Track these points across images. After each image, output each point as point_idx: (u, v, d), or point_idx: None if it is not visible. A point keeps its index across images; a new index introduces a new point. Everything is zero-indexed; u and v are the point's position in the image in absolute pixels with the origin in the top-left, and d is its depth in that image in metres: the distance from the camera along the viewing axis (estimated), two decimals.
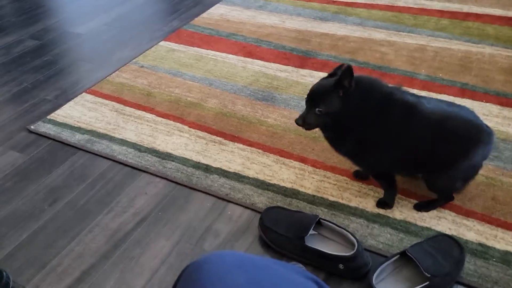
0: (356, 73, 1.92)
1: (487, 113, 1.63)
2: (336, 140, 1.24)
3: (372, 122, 1.15)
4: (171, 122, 1.72)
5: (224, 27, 2.38)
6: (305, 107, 1.19)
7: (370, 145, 1.19)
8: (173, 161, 1.52)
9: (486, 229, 1.22)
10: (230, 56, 2.12)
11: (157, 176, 1.47)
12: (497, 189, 1.34)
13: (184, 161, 1.53)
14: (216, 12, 2.55)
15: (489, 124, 1.54)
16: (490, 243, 1.18)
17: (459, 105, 1.21)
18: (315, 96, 1.15)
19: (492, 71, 1.86)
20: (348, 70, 1.09)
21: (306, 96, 1.17)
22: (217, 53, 2.15)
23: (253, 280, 0.44)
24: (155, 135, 1.64)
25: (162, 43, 2.26)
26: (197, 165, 1.50)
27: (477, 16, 2.29)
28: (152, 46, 2.22)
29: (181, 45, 2.24)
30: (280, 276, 0.47)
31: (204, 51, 2.18)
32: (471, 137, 1.15)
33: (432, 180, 1.23)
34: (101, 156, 1.55)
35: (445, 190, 1.26)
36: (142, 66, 2.07)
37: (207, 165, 1.50)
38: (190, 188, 1.43)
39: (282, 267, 0.50)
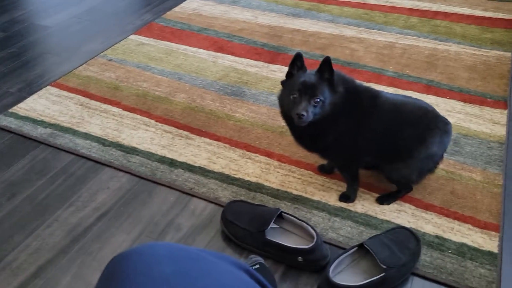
0: None
1: (451, 109, 1.66)
2: (317, 135, 1.21)
3: (349, 112, 1.19)
4: (138, 116, 1.70)
5: (196, 22, 2.36)
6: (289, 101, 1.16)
7: (347, 136, 1.22)
8: (137, 155, 1.51)
9: (444, 222, 1.24)
10: (201, 50, 2.11)
11: (120, 170, 1.45)
12: (456, 183, 1.36)
13: (149, 155, 1.51)
14: (189, 6, 2.53)
15: (452, 120, 1.58)
16: (447, 235, 1.21)
17: (416, 98, 1.28)
18: (311, 86, 1.11)
19: (457, 68, 1.90)
20: (327, 62, 1.11)
21: (298, 88, 1.12)
22: (188, 47, 2.14)
23: (181, 271, 0.44)
24: (121, 129, 1.62)
25: (132, 36, 2.23)
26: (162, 160, 1.49)
27: (446, 15, 2.32)
28: (122, 40, 2.19)
29: (152, 39, 2.22)
30: (211, 267, 0.46)
31: (174, 45, 2.16)
32: (427, 123, 1.22)
33: (392, 170, 1.26)
34: (64, 150, 1.53)
35: (404, 181, 1.28)
36: (110, 60, 2.04)
37: (172, 160, 1.49)
38: (154, 182, 1.41)
39: (216, 258, 0.50)
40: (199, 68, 1.98)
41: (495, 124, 1.59)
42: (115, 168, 1.46)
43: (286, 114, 1.20)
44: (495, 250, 1.16)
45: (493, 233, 1.21)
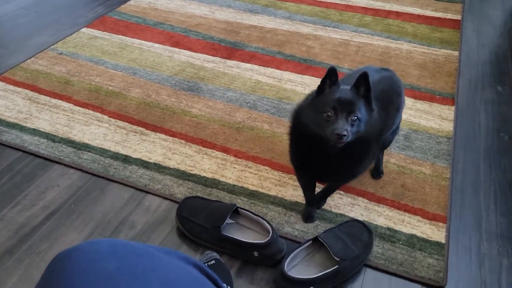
0: (282, 65, 1.95)
1: None
2: (347, 156, 1.06)
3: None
4: (90, 111, 1.64)
5: (151, 16, 2.31)
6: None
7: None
8: (89, 151, 1.46)
9: (395, 214, 1.28)
10: (157, 45, 2.07)
11: (71, 167, 1.40)
12: (407, 177, 1.41)
13: (101, 151, 1.47)
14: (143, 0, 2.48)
15: (403, 116, 1.62)
16: (398, 227, 1.25)
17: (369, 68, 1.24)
18: (348, 103, 0.98)
19: (408, 66, 1.96)
20: (364, 77, 0.99)
21: (333, 106, 0.98)
22: (143, 42, 2.09)
23: (125, 267, 0.43)
24: (72, 125, 1.57)
25: (84, 29, 2.16)
26: (116, 156, 1.45)
27: (398, 14, 2.39)
28: (73, 33, 2.12)
29: (105, 32, 2.15)
30: (157, 262, 0.45)
31: (129, 39, 2.11)
32: (400, 85, 1.25)
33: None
34: (10, 147, 1.46)
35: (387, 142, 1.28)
36: (61, 53, 1.96)
37: (126, 156, 1.46)
38: (107, 179, 1.38)
39: (164, 253, 0.49)
40: (155, 63, 1.94)
41: (443, 119, 1.65)
42: (65, 165, 1.41)
43: (310, 134, 1.02)
44: (443, 241, 1.21)
45: (440, 224, 1.25)
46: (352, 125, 0.97)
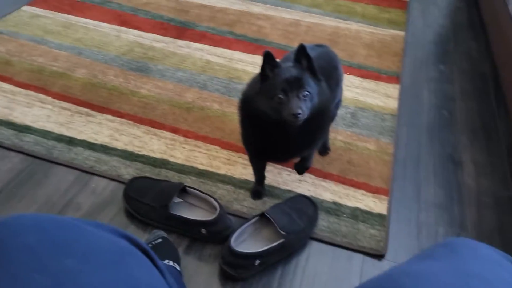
0: (233, 45, 1.94)
1: (350, 85, 1.75)
2: (312, 131, 1.07)
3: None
4: (32, 92, 1.58)
5: None
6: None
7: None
8: (32, 134, 1.41)
9: (340, 189, 1.32)
10: (103, 24, 2.01)
11: (12, 150, 1.36)
12: (353, 153, 1.45)
13: (44, 133, 1.42)
14: None
15: (350, 95, 1.67)
16: (343, 201, 1.29)
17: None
18: (296, 80, 0.97)
19: (356, 46, 2.00)
20: (302, 49, 0.99)
21: (282, 88, 0.96)
22: (89, 20, 2.02)
23: (47, 239, 0.43)
24: (12, 107, 1.51)
25: (25, 8, 2.06)
26: (60, 138, 1.41)
27: None
28: (13, 11, 2.02)
29: (48, 11, 2.06)
30: (82, 234, 0.45)
31: (74, 18, 2.03)
32: (336, 59, 1.26)
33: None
34: None
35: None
36: (0, 33, 1.87)
37: (71, 138, 1.42)
38: (51, 162, 1.34)
39: (92, 226, 0.49)
40: (101, 42, 1.89)
41: (388, 97, 1.70)
42: (5, 148, 1.36)
43: (265, 119, 1.02)
44: (385, 212, 1.26)
45: (383, 197, 1.31)
46: (305, 101, 0.97)
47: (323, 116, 1.07)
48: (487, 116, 1.65)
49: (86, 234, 0.46)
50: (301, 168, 1.27)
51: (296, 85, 0.96)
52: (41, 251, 0.41)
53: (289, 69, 1.00)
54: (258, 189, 1.28)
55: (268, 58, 0.98)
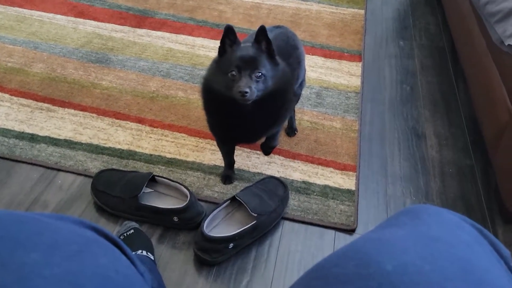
0: (195, 31, 1.92)
1: (313, 65, 1.76)
2: (264, 113, 1.06)
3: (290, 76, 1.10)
4: None
5: None
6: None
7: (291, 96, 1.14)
8: None
9: (309, 168, 1.34)
10: (59, 16, 1.95)
11: None
12: (320, 132, 1.47)
13: (4, 132, 1.38)
14: None
15: (314, 75, 1.68)
16: (312, 180, 1.31)
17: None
18: (251, 60, 0.97)
19: (318, 26, 2.01)
20: (262, 31, 0.98)
21: (236, 64, 0.97)
22: (43, 13, 1.95)
23: (7, 235, 0.42)
24: None
25: None
26: (21, 135, 1.37)
27: None
28: None
29: None
30: (44, 227, 0.44)
31: (27, 11, 1.96)
32: (295, 38, 1.26)
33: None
34: None
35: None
36: None
37: (32, 135, 1.38)
38: (13, 160, 1.30)
39: (56, 219, 0.48)
40: (58, 35, 1.83)
41: (351, 76, 1.73)
42: None
43: (222, 98, 1.01)
44: (353, 188, 1.29)
45: (351, 173, 1.33)
46: (257, 82, 0.97)
47: (281, 98, 1.07)
48: (447, 89, 1.70)
49: (49, 227, 0.45)
50: (267, 148, 1.27)
51: (250, 64, 0.97)
52: (1, 247, 0.40)
53: (247, 48, 1.00)
54: (228, 173, 1.28)
55: (229, 33, 0.99)
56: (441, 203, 1.27)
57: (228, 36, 0.99)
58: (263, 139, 1.23)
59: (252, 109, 1.02)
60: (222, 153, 1.27)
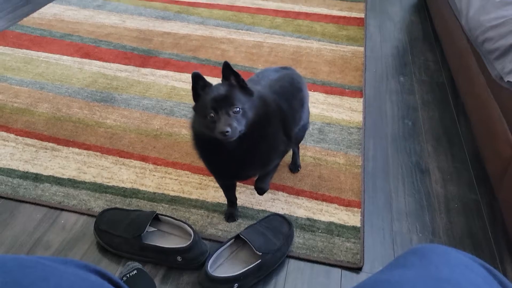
0: (198, 70, 1.95)
1: (315, 101, 1.78)
2: (254, 147, 1.05)
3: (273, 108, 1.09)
4: None
5: (57, 28, 2.22)
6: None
7: (279, 130, 1.12)
8: None
9: (314, 205, 1.33)
10: (65, 57, 1.99)
11: None
12: (323, 168, 1.47)
13: (9, 172, 1.38)
14: (48, 11, 2.37)
15: (316, 111, 1.70)
16: (317, 216, 1.30)
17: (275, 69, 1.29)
18: (224, 98, 0.97)
19: (319, 63, 2.05)
20: (227, 67, 0.99)
21: (211, 106, 0.96)
22: (50, 54, 2.00)
23: (12, 280, 0.41)
24: None
25: None
26: (25, 175, 1.38)
27: (307, 15, 2.49)
28: None
29: (7, 47, 2.03)
30: (49, 272, 0.44)
31: (34, 53, 2.00)
32: (300, 80, 1.28)
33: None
34: None
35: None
36: None
37: (36, 174, 1.38)
38: (17, 200, 1.30)
39: (60, 263, 0.48)
40: (64, 75, 1.86)
41: (353, 111, 1.74)
42: None
43: (209, 138, 1.00)
44: (358, 224, 1.27)
45: (355, 209, 1.32)
46: (236, 118, 0.96)
47: (265, 126, 1.05)
48: (448, 123, 1.71)
49: (54, 272, 0.44)
50: (258, 189, 1.23)
51: (225, 102, 0.96)
52: None
53: (217, 87, 1.00)
54: (231, 211, 1.28)
55: (197, 78, 0.99)
56: (448, 240, 1.26)
57: (197, 82, 1.00)
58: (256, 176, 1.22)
59: (239, 144, 1.00)
60: (222, 189, 1.27)
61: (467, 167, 1.51)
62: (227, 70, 0.99)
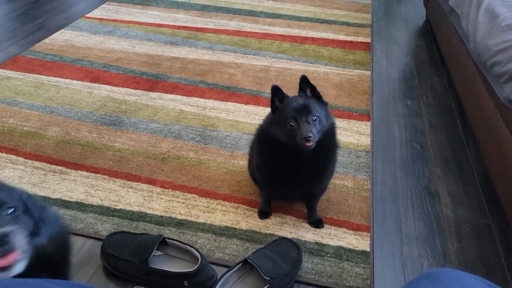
0: (206, 94, 1.97)
1: None
2: (325, 156, 1.18)
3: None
4: (3, 154, 1.56)
5: (68, 53, 2.26)
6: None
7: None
8: None
9: (322, 229, 1.32)
10: (75, 82, 2.02)
11: None
12: (331, 192, 1.45)
13: None
14: (60, 37, 2.42)
15: None
16: (325, 241, 1.28)
17: None
18: (303, 107, 1.08)
19: (326, 87, 2.06)
20: (305, 79, 1.12)
21: (292, 115, 1.07)
22: (60, 79, 2.03)
23: None
24: None
25: None
26: None
27: (314, 40, 2.52)
28: None
29: (18, 72, 2.07)
30: None
31: (45, 77, 2.04)
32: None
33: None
34: None
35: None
36: None
37: (44, 197, 1.38)
38: None
39: (66, 286, 0.47)
40: (73, 99, 1.89)
41: (361, 135, 1.74)
42: None
43: (282, 146, 1.12)
44: (368, 249, 1.25)
45: (364, 233, 1.30)
46: (314, 125, 1.07)
47: (331, 138, 1.18)
48: (457, 147, 1.70)
49: None
50: (315, 222, 1.31)
51: (304, 111, 1.07)
52: None
53: (295, 98, 1.12)
54: (265, 208, 1.35)
55: (276, 91, 1.12)
56: (459, 265, 1.23)
57: (276, 94, 1.12)
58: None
59: (313, 152, 1.10)
60: (263, 194, 1.35)
61: (477, 190, 1.49)
62: (305, 83, 1.12)
